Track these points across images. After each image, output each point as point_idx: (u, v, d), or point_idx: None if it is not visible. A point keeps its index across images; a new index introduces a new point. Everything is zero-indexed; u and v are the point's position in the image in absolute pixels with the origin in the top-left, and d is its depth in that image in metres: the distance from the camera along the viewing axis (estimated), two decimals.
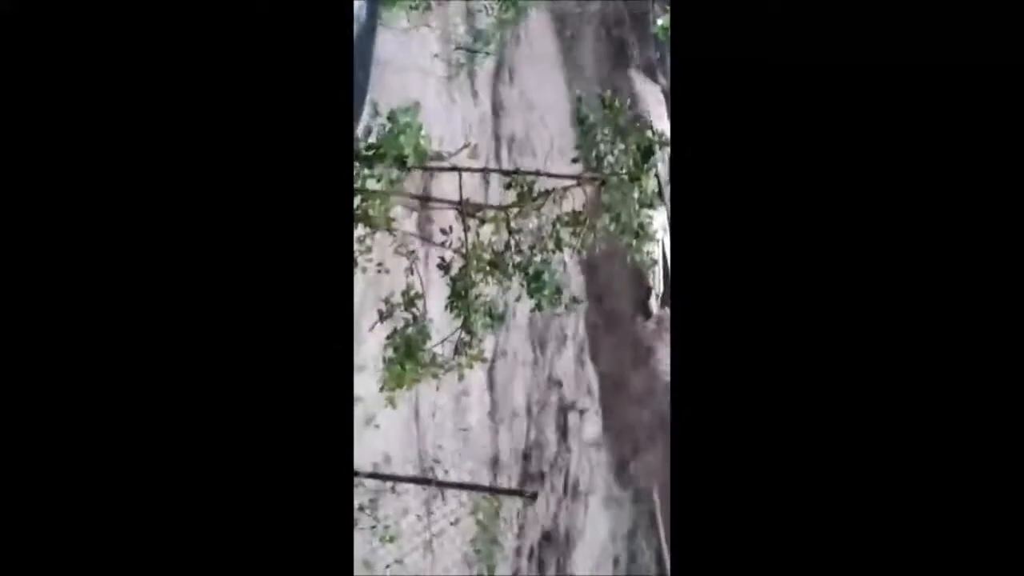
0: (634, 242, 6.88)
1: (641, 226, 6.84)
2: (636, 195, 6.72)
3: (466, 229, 6.84)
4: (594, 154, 6.79)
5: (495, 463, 10.90)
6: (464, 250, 6.82)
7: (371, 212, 6.78)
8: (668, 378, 10.49)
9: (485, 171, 8.18)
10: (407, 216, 8.47)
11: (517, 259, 6.77)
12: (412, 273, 7.12)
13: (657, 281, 11.95)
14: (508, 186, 6.92)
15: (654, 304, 12.08)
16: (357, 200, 6.62)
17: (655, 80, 13.21)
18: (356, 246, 6.84)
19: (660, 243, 10.50)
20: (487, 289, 6.91)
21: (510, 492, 10.48)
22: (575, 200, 6.88)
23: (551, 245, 6.79)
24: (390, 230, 7.10)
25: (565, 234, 6.79)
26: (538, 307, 6.87)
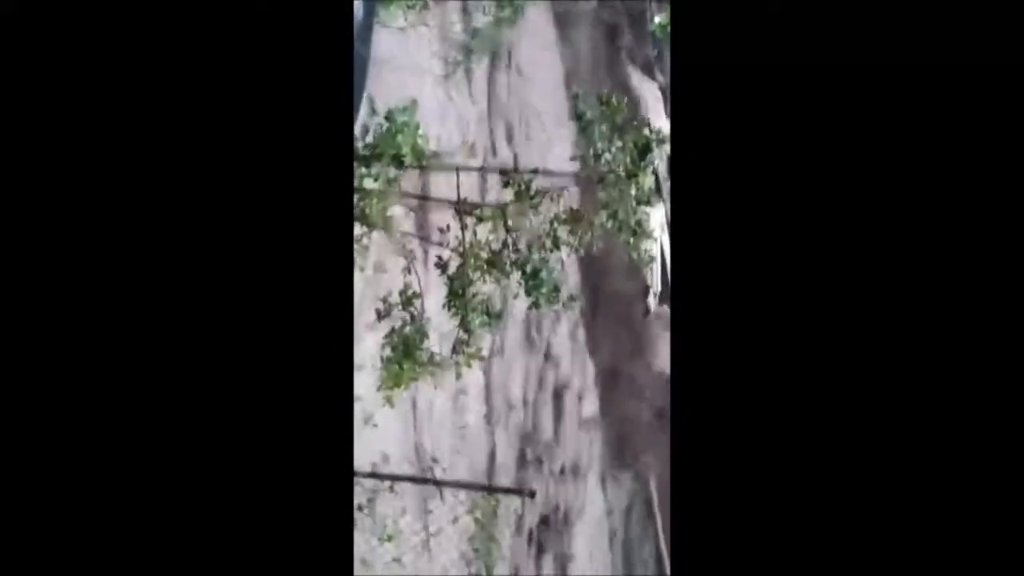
0: (631, 239, 6.88)
1: (638, 223, 6.84)
2: (633, 192, 6.72)
3: (463, 228, 6.83)
4: (591, 152, 6.79)
5: (493, 461, 10.92)
6: (462, 249, 6.81)
7: (368, 211, 6.77)
8: (666, 373, 10.52)
9: (482, 170, 8.19)
10: (405, 215, 8.46)
11: (515, 257, 6.76)
12: (410, 272, 7.12)
13: (655, 278, 11.97)
14: (505, 184, 6.91)
15: (652, 301, 12.10)
16: (355, 199, 6.61)
17: (652, 77, 13.22)
18: (354, 245, 6.83)
19: (658, 240, 10.51)
20: (484, 288, 6.91)
21: (508, 491, 10.48)
22: (572, 198, 6.88)
23: (549, 243, 6.79)
24: (387, 229, 7.10)
25: (563, 232, 6.79)
26: (536, 305, 6.86)
